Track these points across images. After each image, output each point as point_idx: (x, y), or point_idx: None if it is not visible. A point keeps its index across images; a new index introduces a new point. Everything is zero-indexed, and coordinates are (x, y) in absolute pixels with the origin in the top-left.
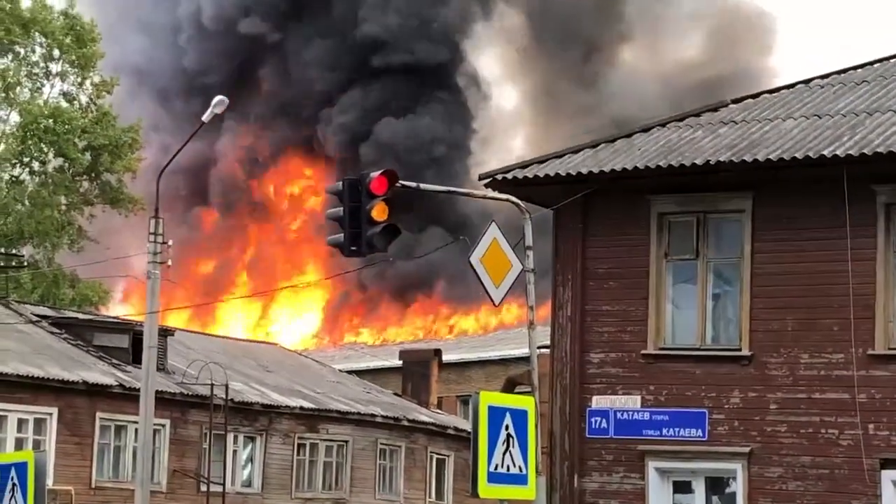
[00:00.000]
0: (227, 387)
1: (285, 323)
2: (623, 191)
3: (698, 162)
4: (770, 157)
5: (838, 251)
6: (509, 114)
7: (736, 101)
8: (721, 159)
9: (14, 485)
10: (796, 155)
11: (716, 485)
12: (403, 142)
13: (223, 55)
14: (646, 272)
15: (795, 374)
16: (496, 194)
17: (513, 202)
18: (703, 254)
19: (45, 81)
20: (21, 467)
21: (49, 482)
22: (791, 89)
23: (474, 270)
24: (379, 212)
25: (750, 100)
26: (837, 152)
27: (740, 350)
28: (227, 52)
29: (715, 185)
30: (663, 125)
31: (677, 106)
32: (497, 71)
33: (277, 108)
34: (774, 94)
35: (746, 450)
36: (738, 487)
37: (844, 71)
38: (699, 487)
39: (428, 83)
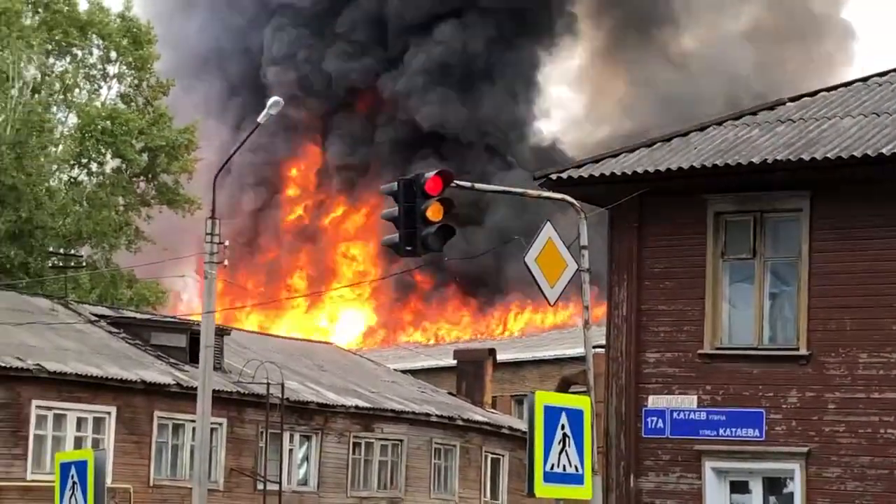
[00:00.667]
0: (282, 386)
1: (340, 322)
2: (679, 190)
3: (755, 161)
4: (828, 155)
5: None
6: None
7: (793, 100)
8: (778, 158)
9: (74, 483)
10: (854, 153)
11: (773, 485)
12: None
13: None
14: (702, 271)
15: (854, 374)
16: (551, 194)
17: (568, 202)
18: (760, 253)
19: (103, 83)
20: (81, 466)
21: (108, 480)
22: (849, 87)
23: (529, 270)
24: (434, 212)
25: (807, 98)
26: None
27: (798, 350)
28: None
29: (772, 184)
30: (719, 124)
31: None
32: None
33: None
34: (832, 92)
35: (804, 450)
36: (796, 488)
37: None
38: (756, 488)
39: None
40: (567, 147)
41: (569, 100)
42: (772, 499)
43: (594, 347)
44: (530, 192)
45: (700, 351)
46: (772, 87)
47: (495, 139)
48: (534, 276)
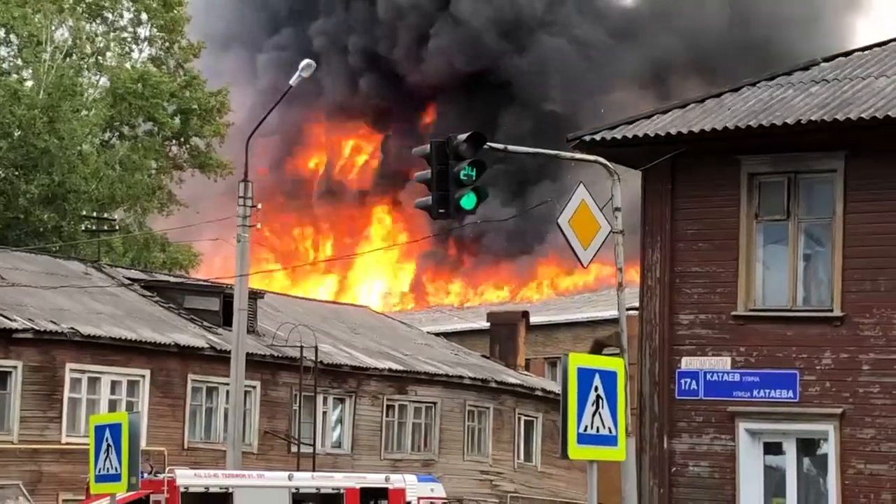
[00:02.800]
0: (316, 349)
1: (373, 285)
2: (712, 151)
3: (789, 121)
4: (862, 115)
5: None
6: None
7: (827, 60)
8: (812, 118)
9: (109, 445)
10: (889, 113)
11: (807, 446)
12: None
13: None
14: (736, 233)
15: (888, 335)
16: (584, 156)
17: (601, 164)
18: (794, 214)
19: (134, 46)
20: (115, 428)
21: (142, 443)
22: (883, 47)
23: (563, 232)
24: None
25: (842, 58)
26: None
27: (832, 311)
28: None
29: (806, 144)
30: (753, 84)
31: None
32: None
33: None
34: (866, 52)
35: (838, 411)
36: (830, 449)
37: None
38: (790, 449)
39: None
40: None
41: None
42: (806, 460)
43: (628, 309)
44: (563, 154)
45: (734, 312)
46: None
47: None
48: (567, 239)
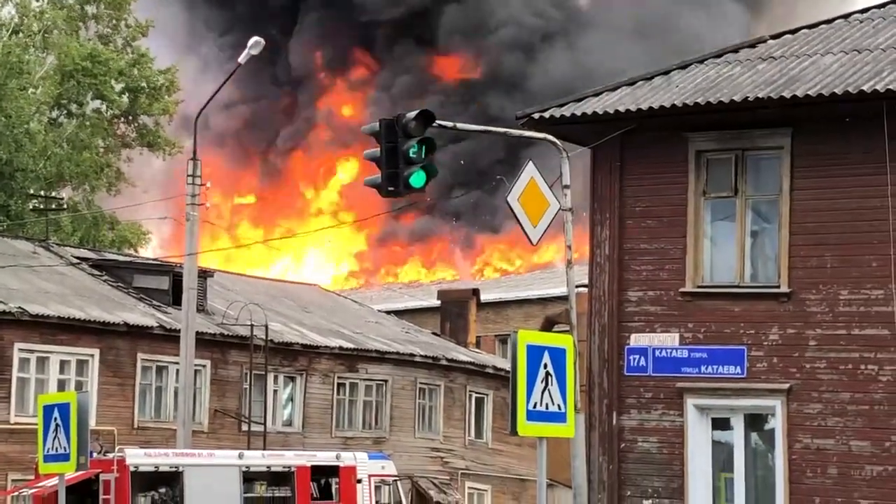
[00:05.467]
0: (266, 327)
1: (323, 264)
2: (661, 129)
3: (737, 98)
4: (809, 92)
5: (878, 187)
6: None
7: (774, 37)
8: (760, 96)
9: (57, 425)
10: (836, 90)
11: (755, 421)
12: None
13: None
14: (684, 210)
15: (835, 311)
16: (533, 133)
17: (550, 141)
18: (741, 191)
19: (81, 24)
20: (64, 408)
21: (92, 423)
22: (830, 24)
23: (512, 210)
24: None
25: (788, 35)
26: (877, 87)
27: (779, 287)
28: None
29: (753, 121)
30: (701, 62)
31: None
32: None
33: None
34: (813, 30)
35: (785, 386)
36: (777, 424)
37: (884, 5)
38: (738, 424)
39: None
40: None
41: None
42: (753, 435)
43: (577, 287)
44: (512, 131)
45: (682, 289)
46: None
47: None
48: (516, 216)
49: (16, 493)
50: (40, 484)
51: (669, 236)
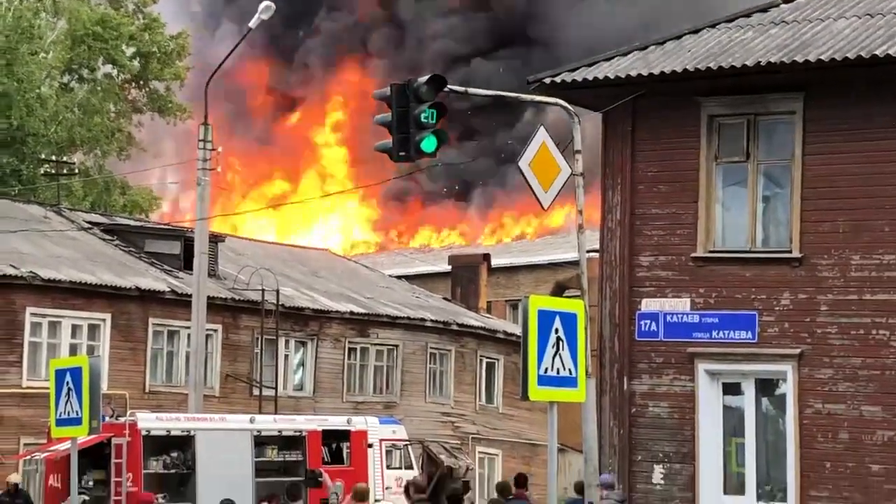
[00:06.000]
0: (277, 292)
1: (336, 228)
2: (673, 93)
3: (749, 63)
4: (822, 57)
5: (890, 152)
6: None
7: (787, 1)
8: (772, 60)
9: (69, 389)
10: (848, 55)
11: (766, 386)
12: None
13: None
14: (695, 175)
15: (846, 276)
16: (544, 98)
17: (561, 106)
18: (753, 156)
19: None
20: (76, 372)
21: (104, 387)
22: None
23: (523, 175)
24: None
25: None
26: (890, 52)
27: (790, 252)
28: None
29: (766, 86)
30: (713, 26)
31: None
32: None
33: None
34: None
35: (796, 351)
36: (788, 389)
37: None
38: (749, 389)
39: None
40: None
41: None
42: (764, 400)
43: (588, 252)
44: (523, 96)
45: (693, 254)
46: None
47: None
48: (528, 181)
49: (28, 457)
50: (52, 448)
51: (681, 201)
